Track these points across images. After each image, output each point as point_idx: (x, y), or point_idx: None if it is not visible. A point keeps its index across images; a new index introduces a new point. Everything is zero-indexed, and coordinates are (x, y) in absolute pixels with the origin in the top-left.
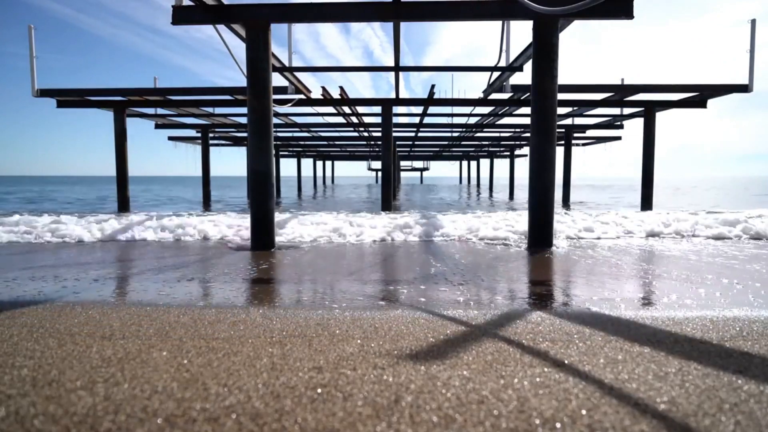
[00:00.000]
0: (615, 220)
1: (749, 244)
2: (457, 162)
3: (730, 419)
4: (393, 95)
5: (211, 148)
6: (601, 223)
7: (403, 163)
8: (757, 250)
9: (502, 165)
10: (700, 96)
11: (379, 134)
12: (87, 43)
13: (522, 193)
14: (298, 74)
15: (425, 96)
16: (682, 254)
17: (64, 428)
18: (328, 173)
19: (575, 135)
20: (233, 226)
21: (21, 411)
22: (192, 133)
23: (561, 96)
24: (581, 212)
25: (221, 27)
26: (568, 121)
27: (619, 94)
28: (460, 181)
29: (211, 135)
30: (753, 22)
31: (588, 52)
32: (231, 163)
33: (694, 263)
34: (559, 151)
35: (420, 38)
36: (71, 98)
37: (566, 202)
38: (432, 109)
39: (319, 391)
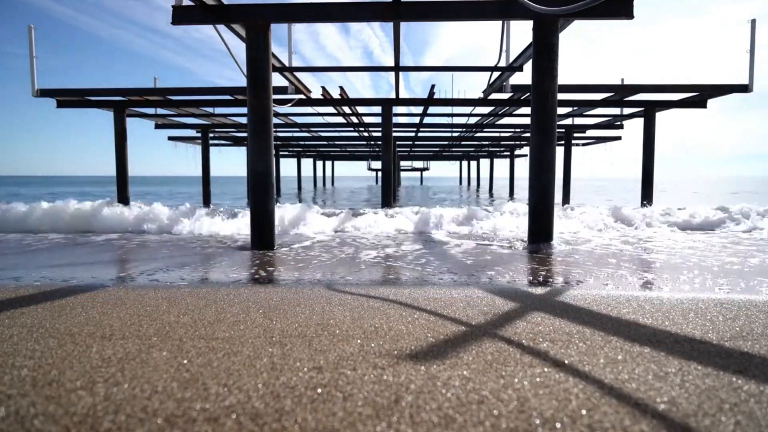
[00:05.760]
0: None
1: None
2: (457, 162)
3: (730, 419)
4: (393, 95)
5: (211, 148)
6: None
7: (403, 163)
8: None
9: (502, 165)
10: (700, 96)
11: (379, 134)
12: (86, 43)
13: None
14: (298, 74)
15: (425, 96)
16: None
17: (64, 428)
18: (328, 173)
19: (575, 135)
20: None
21: (21, 411)
22: (192, 133)
23: (561, 96)
24: None
25: (221, 27)
26: (568, 121)
27: (619, 94)
28: (460, 182)
29: (211, 135)
30: (753, 22)
31: (588, 53)
32: (231, 163)
33: None
34: (559, 151)
35: (420, 38)
36: (71, 98)
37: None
38: (432, 109)
39: (319, 391)
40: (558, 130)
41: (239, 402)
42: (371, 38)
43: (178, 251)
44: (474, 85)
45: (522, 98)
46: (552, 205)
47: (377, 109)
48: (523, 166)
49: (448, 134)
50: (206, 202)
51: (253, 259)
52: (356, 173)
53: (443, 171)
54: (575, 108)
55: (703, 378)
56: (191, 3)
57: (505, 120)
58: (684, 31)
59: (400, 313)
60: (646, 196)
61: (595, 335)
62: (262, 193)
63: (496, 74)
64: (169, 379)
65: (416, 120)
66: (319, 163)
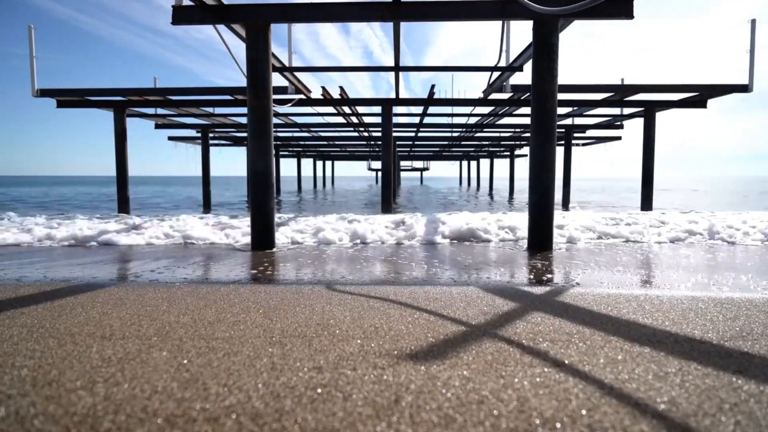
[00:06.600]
0: None
1: None
2: (457, 162)
3: (730, 419)
4: (393, 95)
5: (211, 148)
6: None
7: (403, 163)
8: None
9: (502, 165)
10: (700, 96)
11: (379, 134)
12: (87, 43)
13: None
14: (298, 74)
15: (425, 96)
16: None
17: (64, 428)
18: (328, 173)
19: (575, 135)
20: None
21: (21, 411)
22: (192, 133)
23: (561, 96)
24: None
25: (221, 27)
26: (568, 121)
27: (619, 94)
28: (460, 182)
29: (211, 135)
30: (753, 22)
31: (588, 53)
32: (231, 163)
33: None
34: (559, 151)
35: (420, 38)
36: (71, 98)
37: (566, 205)
38: (432, 109)
39: (319, 391)
40: (558, 130)
41: (239, 402)
42: (371, 38)
43: (179, 251)
44: (474, 85)
45: (522, 98)
46: (552, 205)
47: (377, 109)
48: (523, 166)
49: (448, 134)
50: (206, 202)
51: (253, 258)
52: (356, 173)
53: (443, 171)
54: (575, 108)
55: (703, 378)
56: (191, 3)
57: (505, 120)
58: (684, 31)
59: (400, 313)
60: (646, 196)
61: (595, 335)
62: (262, 193)
63: (496, 74)
64: (169, 379)
65: (416, 120)
66: (319, 163)
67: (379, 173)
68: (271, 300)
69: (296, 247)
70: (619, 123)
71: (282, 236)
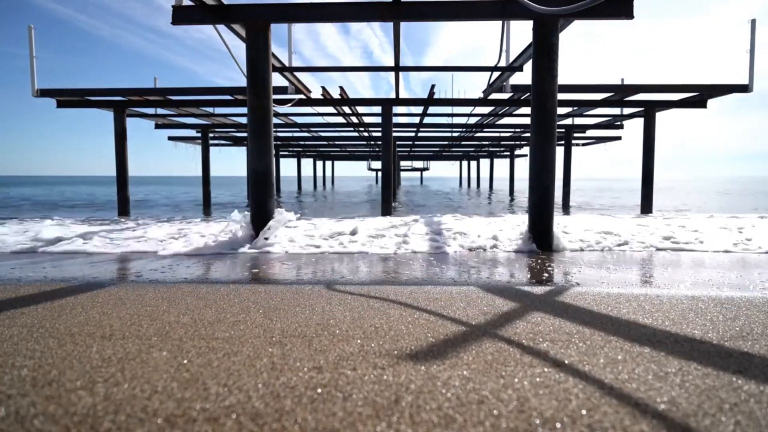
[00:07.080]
0: None
1: None
2: (457, 162)
3: (730, 419)
4: (393, 95)
5: (211, 148)
6: None
7: (403, 163)
8: None
9: (502, 165)
10: (700, 96)
11: (379, 134)
12: (87, 44)
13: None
14: (298, 74)
15: (425, 96)
16: None
17: (64, 428)
18: (328, 173)
19: (575, 135)
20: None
21: (21, 411)
22: (192, 133)
23: (561, 96)
24: None
25: (221, 27)
26: (568, 121)
27: (619, 94)
28: (460, 182)
29: (211, 135)
30: (753, 22)
31: (588, 53)
32: (231, 163)
33: None
34: (559, 151)
35: (420, 38)
36: (71, 98)
37: (566, 206)
38: (432, 109)
39: (319, 391)
40: (558, 130)
41: (239, 402)
42: (371, 38)
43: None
44: (474, 85)
45: (522, 98)
46: (552, 205)
47: (377, 109)
48: (523, 166)
49: (448, 134)
50: (206, 202)
51: (252, 258)
52: (356, 173)
53: (443, 171)
54: (575, 108)
55: (703, 378)
56: (191, 3)
57: (505, 120)
58: (684, 31)
59: (400, 313)
60: (647, 197)
61: (595, 335)
62: (262, 193)
63: (496, 74)
64: (169, 379)
65: (416, 120)
66: (319, 163)
67: (379, 173)
68: (271, 300)
69: (296, 248)
70: (619, 123)
71: (282, 236)
